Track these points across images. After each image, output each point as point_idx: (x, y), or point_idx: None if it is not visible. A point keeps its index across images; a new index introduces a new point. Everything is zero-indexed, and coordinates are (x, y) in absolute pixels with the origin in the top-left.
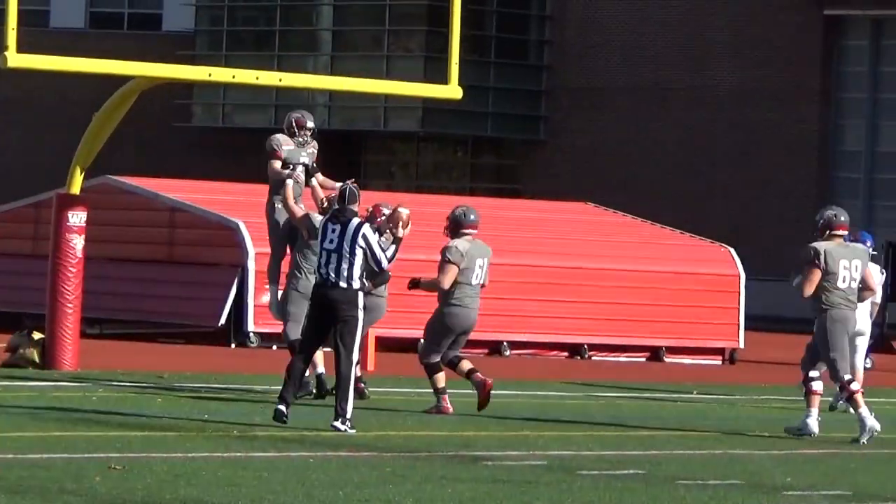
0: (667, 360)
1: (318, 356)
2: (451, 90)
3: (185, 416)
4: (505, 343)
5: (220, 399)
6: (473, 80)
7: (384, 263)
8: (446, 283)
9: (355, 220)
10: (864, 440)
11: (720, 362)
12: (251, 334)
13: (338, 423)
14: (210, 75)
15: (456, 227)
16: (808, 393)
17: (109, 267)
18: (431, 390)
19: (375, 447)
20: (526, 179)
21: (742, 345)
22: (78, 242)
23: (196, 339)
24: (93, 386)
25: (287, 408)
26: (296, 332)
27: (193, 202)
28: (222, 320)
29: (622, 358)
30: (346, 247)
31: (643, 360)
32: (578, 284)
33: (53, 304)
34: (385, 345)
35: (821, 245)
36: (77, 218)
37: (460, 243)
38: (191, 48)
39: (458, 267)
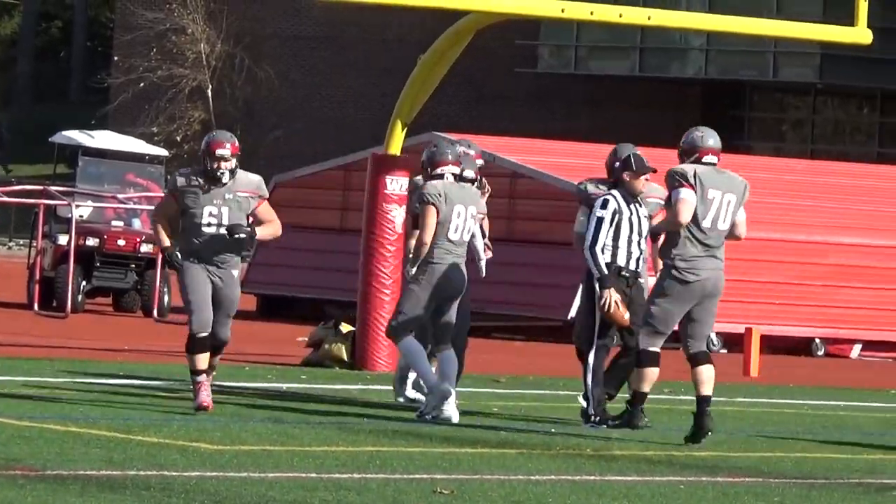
0: None
1: None
2: (858, 33)
3: (525, 428)
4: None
5: (568, 408)
6: (885, 22)
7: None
8: None
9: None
10: None
11: None
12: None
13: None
14: (563, 11)
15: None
16: None
17: None
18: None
19: (761, 472)
20: None
21: None
22: (398, 214)
23: (539, 334)
24: None
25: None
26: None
27: (538, 166)
28: (572, 312)
29: None
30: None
31: None
32: None
33: (367, 289)
34: (771, 346)
35: None
36: (396, 184)
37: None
38: None
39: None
